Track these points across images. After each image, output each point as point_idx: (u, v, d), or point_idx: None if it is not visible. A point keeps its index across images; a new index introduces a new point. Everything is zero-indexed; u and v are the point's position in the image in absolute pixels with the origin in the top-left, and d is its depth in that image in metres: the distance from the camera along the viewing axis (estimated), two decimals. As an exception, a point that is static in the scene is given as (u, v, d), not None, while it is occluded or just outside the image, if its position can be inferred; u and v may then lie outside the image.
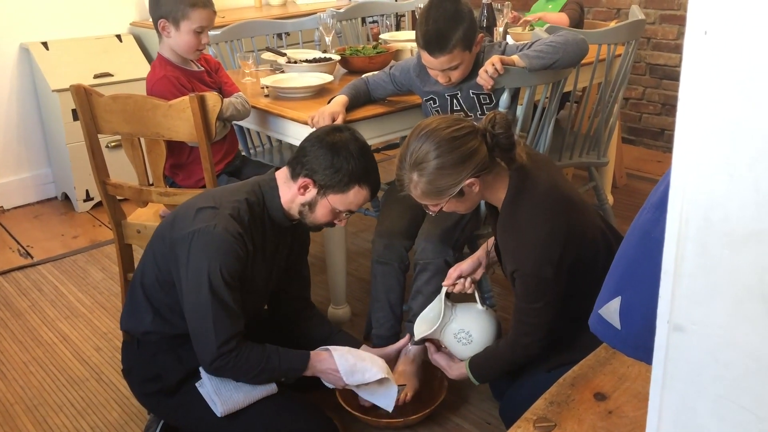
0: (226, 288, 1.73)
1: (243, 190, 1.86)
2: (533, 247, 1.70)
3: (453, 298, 2.02)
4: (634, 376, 1.28)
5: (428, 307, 2.05)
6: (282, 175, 1.90)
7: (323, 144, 1.82)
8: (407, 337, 2.12)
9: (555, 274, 1.69)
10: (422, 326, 1.98)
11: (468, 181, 1.68)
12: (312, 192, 1.84)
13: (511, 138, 1.70)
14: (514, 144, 1.71)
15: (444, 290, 1.97)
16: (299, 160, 1.84)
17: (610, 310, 0.92)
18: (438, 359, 2.02)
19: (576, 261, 1.72)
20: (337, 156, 1.80)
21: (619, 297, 0.91)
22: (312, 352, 1.92)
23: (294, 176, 1.85)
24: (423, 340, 2.03)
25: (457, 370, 1.97)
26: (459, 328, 1.95)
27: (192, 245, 1.73)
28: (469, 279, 2.00)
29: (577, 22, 3.32)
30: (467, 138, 1.67)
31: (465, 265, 2.00)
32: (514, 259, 1.73)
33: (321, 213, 1.87)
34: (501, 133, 1.68)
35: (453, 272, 2.00)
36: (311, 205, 1.86)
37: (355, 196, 1.84)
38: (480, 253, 2.04)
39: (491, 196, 1.78)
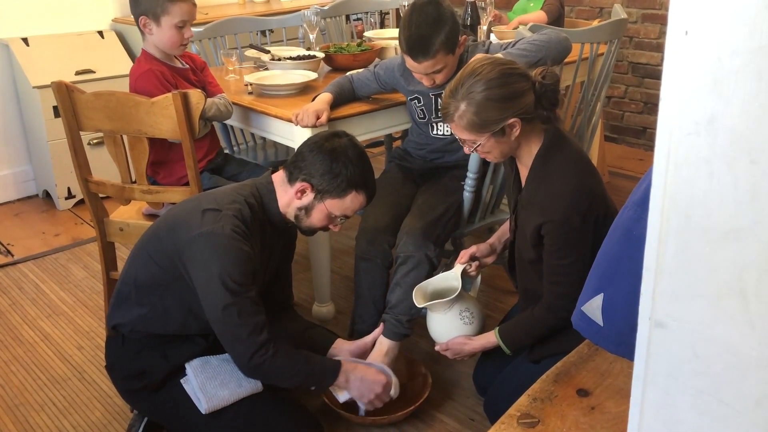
0: (241, 287, 1.73)
1: (242, 192, 1.86)
2: (563, 195, 1.72)
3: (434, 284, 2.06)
4: (617, 372, 1.29)
5: (428, 280, 2.05)
6: (278, 178, 1.90)
7: (322, 149, 1.83)
8: (381, 327, 2.13)
9: (583, 225, 1.71)
10: (420, 298, 1.98)
11: (511, 120, 1.71)
12: (309, 196, 1.85)
13: (557, 93, 1.75)
14: (558, 100, 1.76)
15: (461, 268, 2.00)
16: (297, 165, 1.86)
17: (593, 307, 0.93)
18: (455, 339, 1.98)
19: (596, 226, 1.73)
20: (336, 162, 1.82)
21: (602, 294, 0.92)
22: (342, 360, 1.95)
23: (291, 180, 1.87)
24: (416, 310, 2.07)
25: (482, 339, 1.94)
26: (465, 307, 1.97)
27: (202, 248, 1.73)
28: (476, 263, 2.04)
29: (556, 18, 3.34)
30: (518, 78, 1.72)
31: (481, 248, 2.04)
32: (542, 210, 1.74)
33: (317, 217, 1.88)
34: (549, 85, 1.73)
35: (466, 252, 2.03)
36: (308, 209, 1.87)
37: (352, 201, 1.87)
38: (493, 239, 2.08)
39: (524, 148, 1.80)
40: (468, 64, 1.78)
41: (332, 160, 1.82)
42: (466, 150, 1.81)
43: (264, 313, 1.79)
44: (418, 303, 1.95)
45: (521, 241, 1.86)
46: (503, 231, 2.09)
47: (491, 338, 1.91)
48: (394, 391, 2.02)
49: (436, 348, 2.03)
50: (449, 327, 1.97)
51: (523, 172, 1.85)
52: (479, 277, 2.10)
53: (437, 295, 2.01)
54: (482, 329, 1.99)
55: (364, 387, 1.94)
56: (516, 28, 3.21)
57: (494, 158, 1.84)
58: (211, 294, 1.73)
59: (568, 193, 1.72)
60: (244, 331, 1.74)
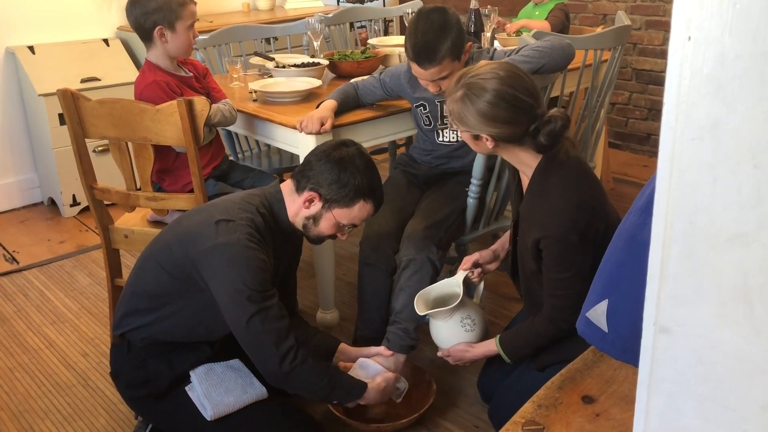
0: (262, 295, 1.73)
1: (252, 202, 1.86)
2: (561, 212, 1.71)
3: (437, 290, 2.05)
4: (621, 378, 1.29)
5: (430, 287, 2.05)
6: (287, 188, 1.91)
7: (330, 159, 1.84)
8: (391, 354, 2.12)
9: (581, 241, 1.70)
10: (422, 305, 1.97)
11: (484, 136, 1.72)
12: (317, 206, 1.85)
13: (559, 136, 1.71)
14: (554, 146, 1.74)
15: (463, 274, 2.00)
16: (305, 174, 1.86)
17: (598, 313, 0.93)
18: (456, 346, 1.99)
19: (596, 240, 1.72)
20: (344, 171, 1.82)
21: (606, 300, 0.92)
22: (369, 383, 1.95)
23: (299, 189, 1.87)
24: (422, 316, 2.06)
25: (483, 347, 1.94)
26: (467, 314, 1.97)
27: (219, 259, 1.72)
28: (479, 269, 2.03)
29: (560, 29, 3.35)
30: (518, 111, 1.69)
31: (484, 254, 2.04)
32: (541, 226, 1.74)
33: (325, 226, 1.88)
34: (545, 136, 1.70)
35: (469, 259, 2.03)
36: (316, 218, 1.87)
37: (360, 210, 1.87)
38: (496, 246, 2.08)
39: (525, 158, 1.79)
40: (501, 64, 1.76)
41: (340, 169, 1.82)
42: (453, 129, 1.82)
43: (287, 318, 1.78)
44: (420, 310, 1.95)
45: (522, 252, 1.86)
46: (506, 238, 2.08)
47: (492, 346, 1.91)
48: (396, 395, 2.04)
49: (439, 354, 2.03)
50: (451, 334, 1.97)
51: (525, 181, 1.85)
52: (482, 284, 2.09)
53: (440, 301, 2.00)
54: (485, 336, 1.99)
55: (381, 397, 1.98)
56: (519, 30, 3.22)
57: (475, 150, 1.85)
58: (233, 306, 1.72)
59: (567, 209, 1.71)
60: (269, 339, 1.73)
